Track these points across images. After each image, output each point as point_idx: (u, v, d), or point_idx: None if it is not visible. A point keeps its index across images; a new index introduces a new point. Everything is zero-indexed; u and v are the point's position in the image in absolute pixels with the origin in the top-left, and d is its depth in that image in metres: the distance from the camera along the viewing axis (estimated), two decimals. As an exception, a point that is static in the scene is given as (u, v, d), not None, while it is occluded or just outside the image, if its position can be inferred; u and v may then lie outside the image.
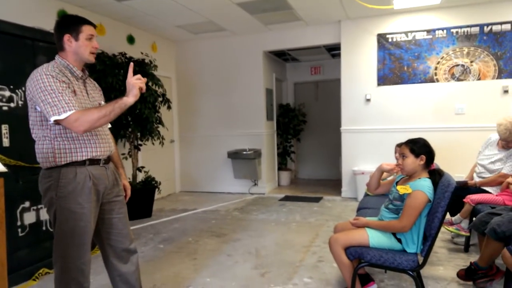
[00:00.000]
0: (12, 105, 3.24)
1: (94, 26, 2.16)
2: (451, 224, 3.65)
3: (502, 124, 3.55)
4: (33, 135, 2.08)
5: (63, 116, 1.90)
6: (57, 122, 1.94)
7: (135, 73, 5.22)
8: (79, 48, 2.08)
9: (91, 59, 2.14)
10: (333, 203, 5.98)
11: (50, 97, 1.91)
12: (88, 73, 2.27)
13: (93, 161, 2.10)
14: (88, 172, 2.06)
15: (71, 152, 2.03)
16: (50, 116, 1.91)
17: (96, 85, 2.39)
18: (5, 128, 3.16)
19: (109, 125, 2.46)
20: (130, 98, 1.96)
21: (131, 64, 2.08)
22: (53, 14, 4.56)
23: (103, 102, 2.27)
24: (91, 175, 2.06)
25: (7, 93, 3.21)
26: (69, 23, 2.09)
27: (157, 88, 5.25)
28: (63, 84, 1.97)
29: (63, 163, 2.02)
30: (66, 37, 2.07)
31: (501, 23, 5.33)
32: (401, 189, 2.44)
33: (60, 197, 2.02)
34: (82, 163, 2.05)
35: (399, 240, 2.42)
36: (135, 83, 1.96)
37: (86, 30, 2.09)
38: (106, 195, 2.18)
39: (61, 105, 1.90)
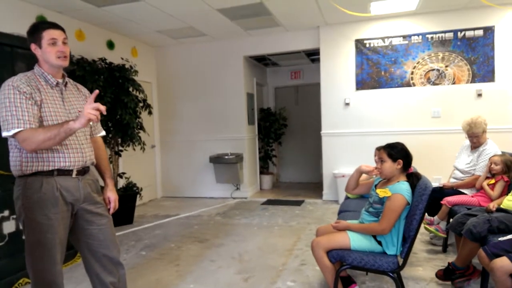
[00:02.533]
0: (-12, 112, 3.17)
1: (60, 28, 2.08)
2: (431, 224, 3.75)
3: (465, 121, 3.84)
4: (8, 144, 2.06)
5: (11, 132, 1.90)
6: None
7: (115, 79, 5.15)
8: (45, 54, 2.04)
9: (60, 63, 2.06)
10: (314, 206, 6.05)
11: (5, 111, 1.91)
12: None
13: (63, 172, 2.04)
14: (56, 183, 2.01)
15: (38, 162, 1.99)
16: (1, 131, 1.92)
17: (84, 91, 2.34)
18: (-17, 137, 3.10)
19: (103, 132, 2.45)
20: (76, 124, 1.87)
21: (96, 91, 1.96)
22: (31, 20, 4.43)
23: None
24: (59, 186, 2.02)
25: (-17, 100, 3.13)
26: (32, 32, 2.07)
27: (138, 94, 5.22)
28: (23, 96, 1.93)
29: (28, 172, 1.99)
30: (33, 46, 2.06)
31: (474, 29, 5.52)
32: (381, 192, 2.50)
33: (26, 207, 1.99)
34: (50, 173, 2.01)
35: (380, 243, 2.48)
36: (88, 113, 1.84)
37: (47, 35, 2.03)
38: (81, 206, 2.12)
39: (12, 121, 1.89)
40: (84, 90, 2.36)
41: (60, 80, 2.14)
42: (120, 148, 5.19)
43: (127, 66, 5.18)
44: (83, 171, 2.15)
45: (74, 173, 2.08)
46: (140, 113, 5.32)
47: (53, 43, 2.03)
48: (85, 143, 2.18)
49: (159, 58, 7.19)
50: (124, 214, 5.18)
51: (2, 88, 1.96)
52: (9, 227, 3.28)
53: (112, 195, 2.32)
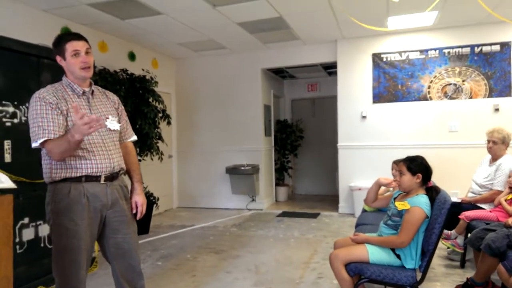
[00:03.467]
0: (15, 121, 3.27)
1: (83, 39, 2.13)
2: (448, 238, 3.72)
3: (491, 128, 3.89)
4: (41, 152, 2.14)
5: (38, 142, 1.98)
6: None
7: (136, 90, 5.24)
8: (69, 66, 2.11)
9: (84, 74, 2.11)
10: (330, 219, 6.03)
11: (32, 122, 2.00)
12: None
13: (91, 178, 2.08)
14: (84, 189, 2.07)
15: (67, 169, 2.05)
16: (31, 142, 2.00)
17: (112, 97, 2.38)
18: (7, 144, 3.17)
19: (134, 137, 2.48)
20: (77, 137, 1.84)
21: (74, 104, 1.91)
22: (57, 31, 4.63)
23: (111, 117, 2.25)
24: (86, 192, 2.07)
25: (10, 109, 3.24)
26: (56, 44, 2.13)
27: (157, 104, 5.33)
28: (48, 107, 2.00)
29: (57, 179, 2.05)
30: (58, 58, 2.14)
31: (490, 44, 5.51)
32: (400, 205, 2.50)
33: (54, 213, 2.06)
34: (78, 179, 2.06)
35: (398, 256, 2.47)
36: (82, 129, 1.79)
37: (70, 47, 2.08)
38: (108, 213, 2.16)
39: (38, 131, 1.98)
40: (113, 97, 2.40)
41: (87, 89, 2.20)
42: (139, 157, 5.28)
43: (147, 77, 5.31)
44: (111, 177, 2.18)
45: (102, 179, 2.13)
46: (159, 123, 5.43)
47: (75, 54, 2.09)
48: (113, 149, 2.21)
49: (179, 69, 7.33)
50: (141, 224, 5.22)
51: (31, 100, 2.05)
52: (28, 234, 3.32)
53: (139, 199, 2.32)
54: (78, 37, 2.12)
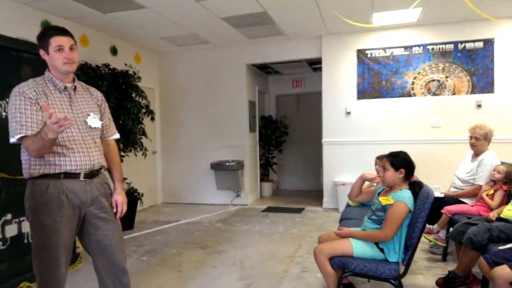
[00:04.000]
0: (-5, 115, 3.21)
1: (68, 35, 2.09)
2: (430, 232, 3.78)
3: (473, 124, 3.96)
4: (20, 147, 2.09)
5: (15, 138, 1.95)
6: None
7: (119, 85, 5.16)
8: (52, 61, 2.07)
9: (67, 68, 2.08)
10: (315, 213, 6.07)
11: (11, 117, 1.97)
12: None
13: (70, 175, 2.06)
14: (62, 186, 2.04)
15: (45, 165, 2.02)
16: (9, 137, 1.97)
17: (96, 94, 2.34)
18: (-12, 140, 3.12)
19: (117, 135, 2.44)
20: (49, 135, 1.80)
21: (43, 103, 1.82)
22: (37, 26, 4.54)
23: (92, 114, 2.20)
24: (65, 189, 2.04)
25: (-9, 104, 3.18)
26: (40, 38, 2.10)
27: (140, 100, 5.26)
28: (27, 102, 1.97)
29: (36, 175, 2.02)
30: (41, 52, 2.10)
31: (474, 41, 5.60)
32: (383, 200, 2.54)
33: (32, 209, 2.03)
34: (57, 176, 2.03)
35: (382, 250, 2.51)
36: (53, 128, 1.75)
37: (54, 42, 2.04)
38: (88, 210, 2.13)
39: (16, 127, 1.95)
40: (96, 93, 2.36)
41: (69, 85, 2.16)
42: (122, 153, 5.22)
43: (130, 72, 5.24)
44: (91, 174, 2.15)
45: (82, 176, 2.10)
46: (142, 119, 5.36)
47: (59, 49, 2.05)
48: (93, 147, 2.17)
49: (162, 64, 7.25)
50: (125, 220, 5.16)
51: (11, 94, 2.01)
52: (11, 230, 3.29)
53: (119, 198, 2.28)
54: (63, 32, 2.08)
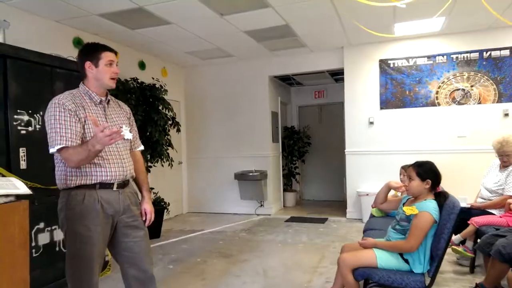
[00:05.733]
0: (30, 129, 3.35)
1: (115, 52, 2.25)
2: (452, 244, 3.71)
3: (496, 139, 3.81)
4: (54, 158, 2.19)
5: (55, 148, 2.03)
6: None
7: (146, 98, 5.31)
8: (99, 74, 2.18)
9: (111, 84, 2.22)
10: (338, 224, 6.04)
11: (50, 128, 2.05)
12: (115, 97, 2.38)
13: (104, 185, 2.14)
14: (98, 196, 2.11)
15: (82, 176, 2.09)
16: (49, 147, 2.06)
17: (124, 108, 2.47)
18: (22, 151, 3.26)
19: (142, 147, 2.55)
20: (98, 147, 1.92)
21: (93, 118, 2.03)
22: (69, 42, 4.76)
23: (124, 126, 2.31)
24: (100, 199, 2.12)
25: (25, 118, 3.33)
26: (90, 51, 2.21)
27: (167, 112, 5.41)
28: (67, 114, 2.05)
29: (72, 185, 2.10)
30: (87, 64, 2.19)
31: (500, 49, 5.51)
32: (408, 210, 2.52)
33: (68, 219, 2.10)
34: (92, 186, 2.11)
35: (406, 261, 2.49)
36: (104, 141, 1.86)
37: (106, 56, 2.17)
38: (120, 219, 2.21)
39: (55, 138, 2.02)
40: (125, 107, 2.48)
41: (103, 98, 2.26)
42: (149, 164, 5.36)
43: (157, 85, 5.40)
44: (123, 184, 2.24)
45: (115, 186, 2.18)
46: (169, 130, 5.51)
47: (110, 64, 2.19)
48: (126, 157, 2.28)
49: (188, 77, 7.43)
50: (152, 228, 5.25)
51: (49, 105, 2.09)
52: (43, 238, 3.40)
53: (148, 207, 2.38)
54: (112, 49, 2.24)
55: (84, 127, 2.12)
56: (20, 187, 1.75)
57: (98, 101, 2.23)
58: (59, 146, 2.02)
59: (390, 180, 2.85)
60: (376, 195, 2.96)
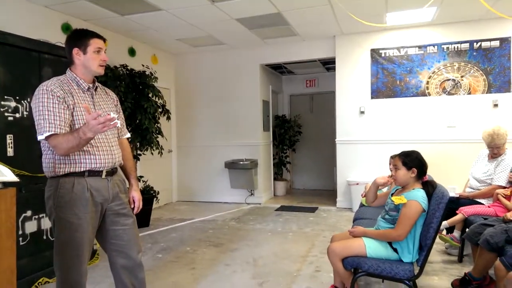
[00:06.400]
0: (17, 115, 3.30)
1: (103, 39, 2.20)
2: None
3: (486, 131, 3.83)
4: (41, 145, 2.15)
5: (43, 136, 1.99)
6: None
7: (136, 85, 5.24)
8: (87, 61, 2.14)
9: (100, 71, 2.19)
10: (328, 213, 6.07)
11: (38, 114, 2.00)
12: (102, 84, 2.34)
13: (93, 173, 2.12)
14: (87, 184, 2.09)
15: (70, 164, 2.07)
16: (37, 134, 2.02)
17: (111, 95, 2.43)
18: (9, 138, 3.21)
19: (128, 135, 2.52)
20: (89, 134, 1.88)
21: (86, 106, 1.94)
22: (57, 27, 4.66)
23: (112, 113, 2.24)
24: (89, 187, 2.10)
25: (12, 104, 3.27)
26: (78, 37, 2.15)
27: (157, 99, 5.35)
28: (56, 100, 2.01)
29: (61, 173, 2.07)
30: (75, 50, 2.14)
31: (490, 40, 5.53)
32: (396, 199, 2.54)
33: (57, 207, 2.07)
34: (81, 174, 2.09)
35: (395, 250, 2.51)
36: (96, 128, 1.83)
37: (94, 43, 2.13)
38: (109, 206, 2.20)
39: (44, 124, 1.98)
40: (112, 94, 2.45)
41: (91, 85, 2.22)
42: (139, 152, 5.32)
43: (147, 72, 5.33)
44: (112, 172, 2.23)
45: (104, 174, 2.16)
46: (158, 118, 5.46)
47: (98, 51, 2.15)
48: (114, 145, 2.26)
49: (178, 65, 7.34)
50: (141, 217, 5.28)
51: (37, 91, 2.04)
52: (31, 227, 3.37)
53: (136, 195, 2.39)
54: (101, 36, 2.19)
55: (72, 114, 2.08)
56: (7, 174, 1.73)
57: (86, 88, 2.19)
58: (48, 133, 1.98)
59: (376, 178, 2.85)
60: (366, 194, 2.97)
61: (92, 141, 2.09)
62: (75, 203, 2.07)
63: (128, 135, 2.54)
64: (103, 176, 2.17)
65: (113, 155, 2.21)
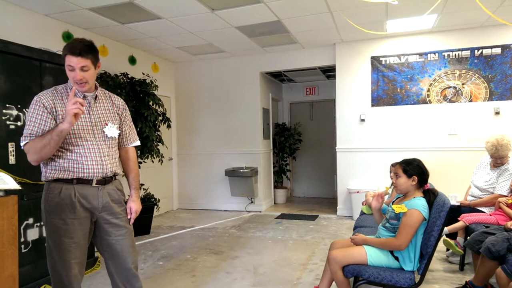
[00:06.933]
0: (19, 123, 3.33)
1: (79, 55, 2.03)
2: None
3: (489, 141, 3.77)
4: None
5: (22, 144, 2.04)
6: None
7: (136, 93, 5.26)
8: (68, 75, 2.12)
9: (77, 87, 2.10)
10: (328, 221, 6.05)
11: (26, 123, 2.06)
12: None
13: (82, 181, 2.12)
14: (75, 190, 2.10)
15: (59, 170, 2.09)
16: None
17: (117, 102, 2.37)
18: (11, 146, 3.24)
19: (137, 143, 2.48)
20: (64, 125, 1.92)
21: (73, 89, 1.99)
22: (58, 36, 4.69)
23: (110, 123, 2.23)
24: (77, 193, 2.10)
25: (14, 112, 3.30)
26: (63, 50, 2.11)
27: (157, 107, 5.36)
28: (42, 110, 2.04)
29: (50, 178, 2.10)
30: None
31: (491, 47, 5.54)
32: (397, 208, 2.53)
33: (47, 211, 2.10)
34: (70, 181, 2.10)
35: (397, 258, 2.50)
36: (69, 110, 1.89)
37: (67, 60, 2.05)
38: (100, 215, 2.18)
39: (25, 134, 2.03)
40: (119, 102, 2.39)
41: (90, 94, 2.20)
42: (139, 160, 5.31)
43: (148, 80, 5.35)
44: (104, 181, 2.20)
45: (94, 182, 2.16)
46: (159, 126, 5.46)
47: (70, 69, 2.06)
48: (107, 155, 2.21)
49: (179, 73, 7.37)
50: (142, 225, 5.27)
51: (31, 102, 2.10)
52: (32, 234, 3.39)
53: (133, 206, 2.36)
54: (76, 53, 2.02)
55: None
56: (9, 182, 1.75)
57: (81, 97, 2.18)
58: (24, 142, 2.03)
59: (367, 197, 2.82)
60: (374, 218, 2.94)
61: (81, 150, 2.11)
62: (62, 208, 2.08)
63: (137, 143, 2.49)
64: (94, 185, 2.16)
65: (103, 165, 2.17)
